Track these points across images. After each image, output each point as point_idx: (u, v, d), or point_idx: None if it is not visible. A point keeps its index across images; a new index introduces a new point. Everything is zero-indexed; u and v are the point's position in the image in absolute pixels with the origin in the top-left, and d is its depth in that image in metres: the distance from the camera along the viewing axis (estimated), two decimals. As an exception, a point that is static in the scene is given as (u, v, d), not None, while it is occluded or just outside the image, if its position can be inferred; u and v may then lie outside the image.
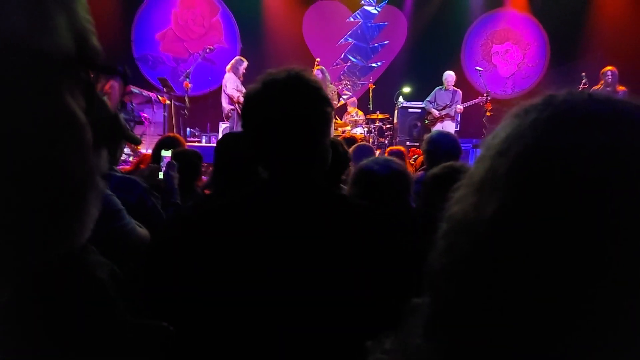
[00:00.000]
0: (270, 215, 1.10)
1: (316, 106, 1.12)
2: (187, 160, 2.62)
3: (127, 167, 4.71)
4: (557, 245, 0.33)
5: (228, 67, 7.21)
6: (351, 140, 4.90)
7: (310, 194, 1.14)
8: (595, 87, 6.80)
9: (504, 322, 0.35)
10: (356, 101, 8.85)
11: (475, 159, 0.43)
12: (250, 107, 1.15)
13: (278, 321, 1.03)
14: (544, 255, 0.34)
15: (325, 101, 1.14)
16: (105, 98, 0.38)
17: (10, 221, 0.30)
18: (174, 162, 2.47)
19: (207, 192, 2.38)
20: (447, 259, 0.39)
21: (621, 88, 6.80)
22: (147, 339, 0.79)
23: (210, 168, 3.04)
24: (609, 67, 7.05)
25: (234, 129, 6.71)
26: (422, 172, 3.10)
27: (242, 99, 7.82)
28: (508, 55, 10.66)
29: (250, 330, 1.03)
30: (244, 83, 7.14)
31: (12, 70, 0.29)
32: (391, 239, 1.15)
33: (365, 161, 1.84)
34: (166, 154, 2.54)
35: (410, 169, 4.01)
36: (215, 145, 2.18)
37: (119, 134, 0.40)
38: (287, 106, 1.09)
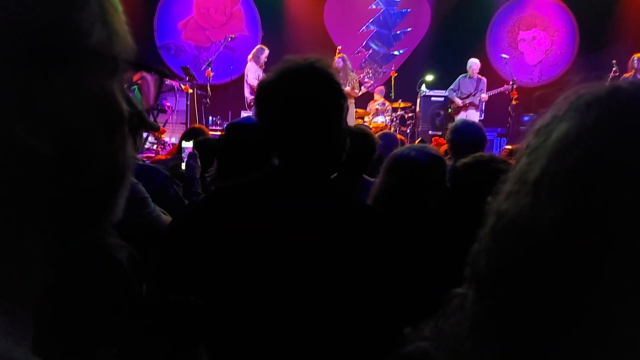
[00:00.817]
0: (274, 201, 1.12)
1: (328, 96, 1.12)
2: (209, 149, 2.64)
3: (152, 155, 4.76)
4: (624, 260, 0.31)
5: (250, 56, 7.25)
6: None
7: (314, 185, 1.14)
8: (625, 75, 6.59)
9: (564, 332, 0.33)
10: (384, 89, 8.76)
11: (523, 151, 0.40)
12: (263, 94, 1.16)
13: (281, 305, 1.05)
14: (609, 268, 0.32)
15: (338, 91, 1.14)
16: (136, 90, 0.41)
17: (62, 206, 0.33)
18: (195, 152, 2.50)
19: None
20: (498, 258, 0.37)
21: (638, 55, 6.60)
22: (176, 313, 0.80)
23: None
24: (637, 54, 6.81)
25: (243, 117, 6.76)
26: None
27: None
28: (535, 42, 10.37)
29: (258, 313, 1.05)
30: (265, 71, 7.16)
31: (79, 70, 0.33)
32: (386, 237, 1.15)
33: (398, 149, 1.81)
34: (187, 144, 2.58)
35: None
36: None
37: (143, 126, 0.44)
38: (299, 94, 1.09)
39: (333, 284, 1.05)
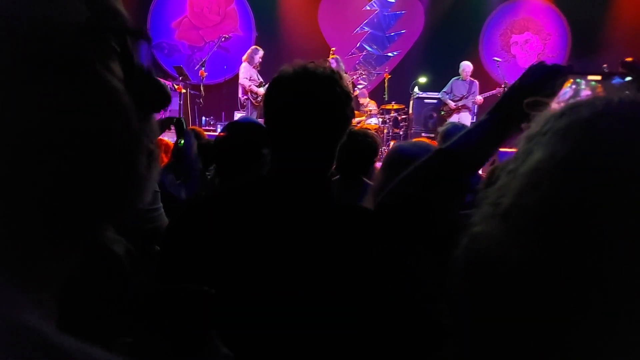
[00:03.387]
0: (274, 203, 1.11)
1: (339, 106, 1.12)
2: (209, 149, 2.65)
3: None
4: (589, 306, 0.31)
5: (244, 57, 7.26)
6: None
7: (312, 191, 1.14)
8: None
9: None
10: (366, 92, 8.79)
11: (502, 171, 0.39)
12: (272, 94, 1.15)
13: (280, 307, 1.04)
14: (570, 315, 0.32)
15: (347, 96, 1.14)
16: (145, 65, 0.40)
17: (64, 192, 0.32)
18: (189, 130, 2.54)
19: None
20: (469, 284, 0.37)
21: (630, 59, 6.63)
22: (187, 302, 0.79)
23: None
24: (628, 59, 6.86)
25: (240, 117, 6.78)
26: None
27: (254, 88, 7.86)
28: (528, 45, 10.44)
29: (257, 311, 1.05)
30: (260, 72, 7.15)
31: (39, 45, 0.31)
32: (386, 240, 1.14)
33: (399, 144, 1.88)
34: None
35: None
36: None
37: (164, 99, 0.41)
38: (304, 91, 1.09)
39: (332, 286, 1.04)
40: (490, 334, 0.36)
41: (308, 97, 1.09)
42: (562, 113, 0.36)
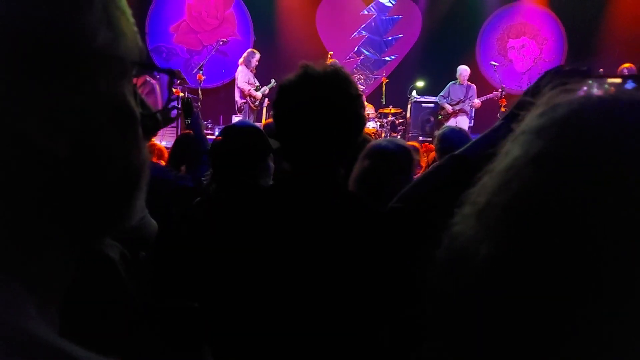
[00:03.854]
0: (288, 211, 1.11)
1: (352, 104, 1.12)
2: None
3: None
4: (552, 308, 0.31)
5: (240, 60, 7.23)
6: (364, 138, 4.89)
7: (329, 194, 1.13)
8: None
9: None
10: (364, 96, 8.79)
11: (486, 171, 0.39)
12: (283, 98, 1.15)
13: (285, 315, 1.04)
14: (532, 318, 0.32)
15: (360, 105, 1.14)
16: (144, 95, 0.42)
17: (80, 207, 0.34)
18: (197, 112, 2.56)
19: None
20: (446, 284, 0.38)
21: (628, 65, 6.62)
22: (174, 320, 0.79)
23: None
24: (626, 65, 6.88)
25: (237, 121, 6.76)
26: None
27: (253, 92, 7.80)
28: (524, 50, 10.49)
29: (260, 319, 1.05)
30: (256, 75, 7.15)
31: (95, 74, 0.33)
32: (399, 244, 1.14)
33: (375, 140, 2.01)
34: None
35: (422, 164, 3.98)
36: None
37: (158, 128, 0.44)
38: (324, 98, 1.09)
39: (343, 287, 1.04)
40: (466, 333, 0.36)
41: (319, 101, 1.08)
42: (543, 112, 0.36)
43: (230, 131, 2.03)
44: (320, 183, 1.13)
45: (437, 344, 0.39)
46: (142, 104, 0.40)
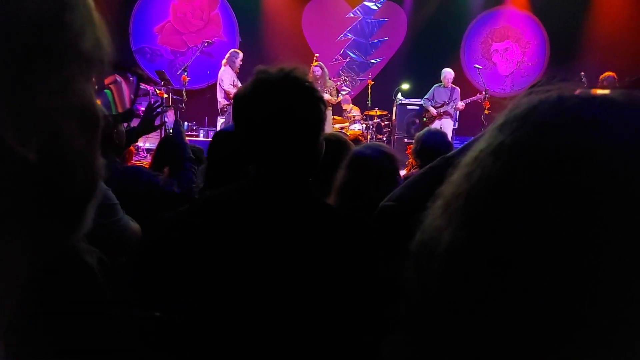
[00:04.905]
0: (250, 213, 1.10)
1: (308, 106, 1.10)
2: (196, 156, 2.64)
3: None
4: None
5: (224, 60, 7.16)
6: (355, 140, 4.91)
7: (292, 197, 1.13)
8: (594, 91, 6.73)
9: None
10: (349, 98, 8.85)
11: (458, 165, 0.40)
12: (240, 105, 1.14)
13: (258, 317, 1.04)
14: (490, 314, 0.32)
15: (318, 101, 1.12)
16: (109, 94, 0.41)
17: (43, 213, 0.33)
18: (179, 119, 2.57)
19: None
20: (417, 279, 0.38)
21: (609, 74, 6.72)
22: (138, 328, 0.78)
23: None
24: (608, 73, 6.95)
25: (229, 124, 6.70)
26: (417, 170, 3.10)
27: (237, 94, 7.80)
28: (507, 53, 10.63)
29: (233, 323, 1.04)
30: (240, 76, 7.09)
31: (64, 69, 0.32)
32: (367, 248, 1.14)
33: (357, 147, 1.97)
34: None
35: (413, 162, 4.02)
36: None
37: (115, 127, 0.43)
38: (278, 105, 1.07)
39: (313, 290, 1.04)
40: (426, 323, 0.37)
41: (275, 110, 1.07)
42: (507, 111, 0.39)
43: (222, 136, 2.02)
44: (287, 185, 1.13)
45: (402, 336, 0.40)
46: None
